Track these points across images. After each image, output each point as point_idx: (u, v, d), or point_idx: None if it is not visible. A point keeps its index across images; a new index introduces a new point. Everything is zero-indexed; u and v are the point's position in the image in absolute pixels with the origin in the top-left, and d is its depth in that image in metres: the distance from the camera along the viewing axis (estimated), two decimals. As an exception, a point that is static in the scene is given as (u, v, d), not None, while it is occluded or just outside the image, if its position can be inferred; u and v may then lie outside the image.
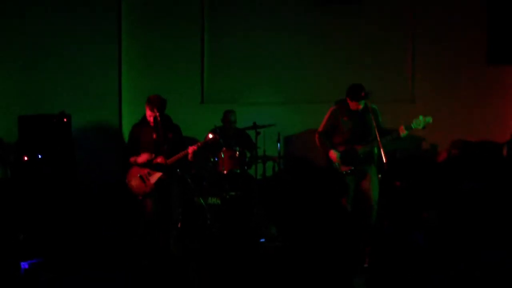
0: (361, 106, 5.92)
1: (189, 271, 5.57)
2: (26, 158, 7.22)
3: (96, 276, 5.45)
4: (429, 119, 5.78)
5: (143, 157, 5.84)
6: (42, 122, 7.39)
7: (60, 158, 7.34)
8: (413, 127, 5.77)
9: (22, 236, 6.18)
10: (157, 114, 5.74)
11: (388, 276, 5.27)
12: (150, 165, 5.83)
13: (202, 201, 6.83)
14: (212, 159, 7.08)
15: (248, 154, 7.43)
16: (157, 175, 5.84)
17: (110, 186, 7.54)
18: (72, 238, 6.39)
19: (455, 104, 8.51)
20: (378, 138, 5.61)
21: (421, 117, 5.77)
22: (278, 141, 7.72)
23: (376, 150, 5.94)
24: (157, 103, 5.80)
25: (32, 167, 7.21)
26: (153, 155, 5.82)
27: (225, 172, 6.97)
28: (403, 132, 5.77)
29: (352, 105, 5.95)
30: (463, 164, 7.68)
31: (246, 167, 7.21)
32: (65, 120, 7.47)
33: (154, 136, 5.85)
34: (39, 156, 7.23)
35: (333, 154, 5.92)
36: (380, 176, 6.10)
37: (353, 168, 5.89)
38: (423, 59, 8.61)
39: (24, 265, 5.43)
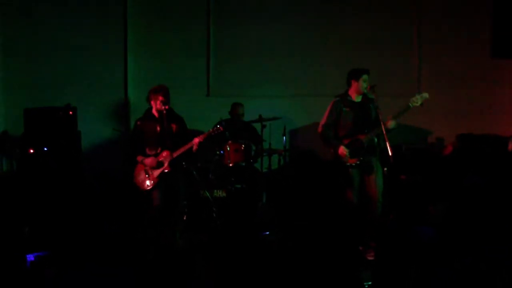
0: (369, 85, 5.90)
1: (194, 264, 5.58)
2: (31, 151, 7.23)
3: (101, 269, 5.46)
4: (425, 94, 5.79)
5: (149, 161, 5.81)
6: (47, 115, 7.40)
7: (65, 151, 7.36)
8: (411, 106, 5.76)
9: (27, 229, 6.20)
10: (165, 100, 5.72)
11: (394, 269, 5.27)
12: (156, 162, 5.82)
13: (207, 194, 6.85)
14: (217, 152, 7.08)
15: (254, 148, 7.42)
16: (161, 168, 5.81)
17: (116, 179, 7.56)
18: (77, 232, 6.39)
19: (461, 98, 8.51)
20: (384, 132, 5.59)
21: (417, 94, 5.80)
22: (284, 134, 7.72)
23: (377, 140, 5.92)
24: (164, 90, 5.78)
25: (37, 160, 7.23)
26: (159, 149, 5.81)
27: (230, 165, 6.97)
28: (390, 124, 5.77)
29: (358, 87, 5.91)
30: (468, 158, 7.65)
31: (252, 160, 7.20)
32: (70, 113, 7.48)
33: (158, 129, 5.82)
34: (45, 149, 7.25)
35: (343, 150, 5.85)
36: (385, 169, 6.06)
37: (361, 158, 5.87)
38: (428, 53, 8.60)
39: (30, 257, 5.44)
